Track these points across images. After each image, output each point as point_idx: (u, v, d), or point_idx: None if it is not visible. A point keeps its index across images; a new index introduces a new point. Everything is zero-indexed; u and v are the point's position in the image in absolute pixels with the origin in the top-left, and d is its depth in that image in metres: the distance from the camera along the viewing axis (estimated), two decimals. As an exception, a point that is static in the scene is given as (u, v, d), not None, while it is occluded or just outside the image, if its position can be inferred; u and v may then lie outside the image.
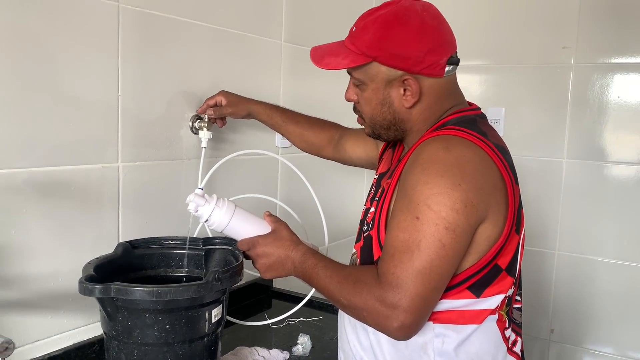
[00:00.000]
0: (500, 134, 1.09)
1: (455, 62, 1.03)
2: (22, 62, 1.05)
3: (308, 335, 1.38)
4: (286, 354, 1.32)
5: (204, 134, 1.41)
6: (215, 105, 1.42)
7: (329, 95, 1.96)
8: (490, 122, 1.08)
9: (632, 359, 2.01)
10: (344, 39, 1.05)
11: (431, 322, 0.98)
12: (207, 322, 0.98)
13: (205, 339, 1.00)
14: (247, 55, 1.58)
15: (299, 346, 1.35)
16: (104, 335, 1.00)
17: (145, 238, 1.16)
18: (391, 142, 1.18)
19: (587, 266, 2.07)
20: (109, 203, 1.24)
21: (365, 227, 1.09)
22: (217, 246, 1.16)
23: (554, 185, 2.10)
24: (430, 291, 0.91)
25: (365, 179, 2.22)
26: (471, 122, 1.02)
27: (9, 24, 1.03)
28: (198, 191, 1.08)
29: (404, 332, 0.91)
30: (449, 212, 0.89)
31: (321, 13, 1.88)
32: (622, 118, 1.96)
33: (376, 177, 1.20)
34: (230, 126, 1.52)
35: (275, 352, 1.31)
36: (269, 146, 1.70)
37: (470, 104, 1.09)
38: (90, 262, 1.03)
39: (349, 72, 1.06)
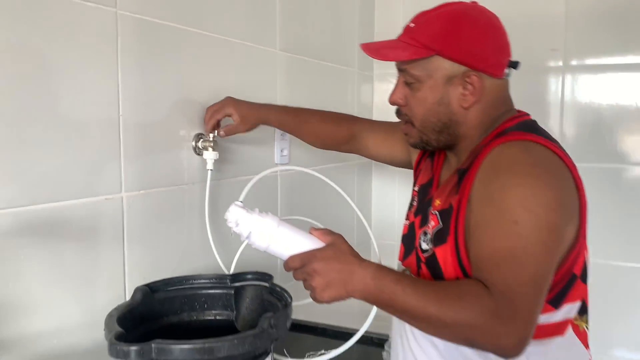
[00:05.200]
0: None
1: (514, 65, 0.97)
2: (10, 77, 0.88)
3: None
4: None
5: (210, 155, 1.25)
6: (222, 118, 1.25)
7: (328, 102, 1.86)
8: None
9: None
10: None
11: None
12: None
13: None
14: (246, 65, 1.44)
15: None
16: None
17: (164, 279, 1.00)
18: (429, 151, 1.10)
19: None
20: (113, 240, 1.06)
21: (425, 245, 1.00)
22: (248, 282, 1.02)
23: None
24: (541, 299, 0.83)
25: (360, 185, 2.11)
26: (532, 127, 0.97)
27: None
28: (238, 203, 0.91)
29: (522, 347, 0.79)
30: (549, 212, 0.83)
31: (314, 20, 1.76)
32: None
33: (416, 189, 1.13)
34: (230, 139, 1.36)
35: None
36: (269, 162, 1.56)
37: (518, 110, 1.03)
38: (111, 315, 0.87)
39: (400, 69, 1.00)
